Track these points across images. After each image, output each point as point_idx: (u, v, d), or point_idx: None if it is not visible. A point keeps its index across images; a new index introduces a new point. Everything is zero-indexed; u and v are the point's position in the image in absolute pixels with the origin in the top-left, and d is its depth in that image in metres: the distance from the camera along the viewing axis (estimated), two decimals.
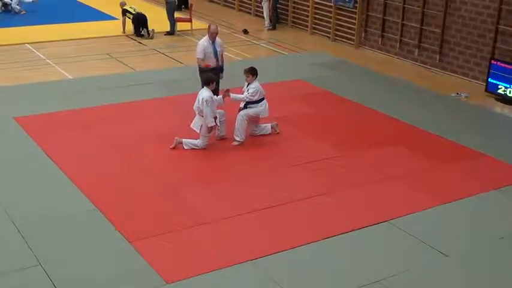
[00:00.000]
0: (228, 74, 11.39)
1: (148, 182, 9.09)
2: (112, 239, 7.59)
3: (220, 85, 11.15)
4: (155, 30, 17.65)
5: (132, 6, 18.03)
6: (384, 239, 7.83)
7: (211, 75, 10.29)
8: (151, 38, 17.40)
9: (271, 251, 7.39)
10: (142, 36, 17.51)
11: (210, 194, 8.83)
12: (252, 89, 10.35)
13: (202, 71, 11.13)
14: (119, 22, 18.19)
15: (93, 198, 8.48)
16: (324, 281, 6.95)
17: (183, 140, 10.12)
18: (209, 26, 11.38)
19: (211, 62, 11.14)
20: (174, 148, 10.06)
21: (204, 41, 11.22)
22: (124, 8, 17.94)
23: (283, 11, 19.79)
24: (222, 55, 11.45)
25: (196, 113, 10.09)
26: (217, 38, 11.25)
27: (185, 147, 10.10)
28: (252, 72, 10.41)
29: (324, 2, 18.21)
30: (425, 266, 7.28)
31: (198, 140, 10.12)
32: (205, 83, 10.11)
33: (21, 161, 9.57)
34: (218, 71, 11.25)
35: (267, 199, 8.64)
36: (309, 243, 7.60)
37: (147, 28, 17.58)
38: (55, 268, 6.97)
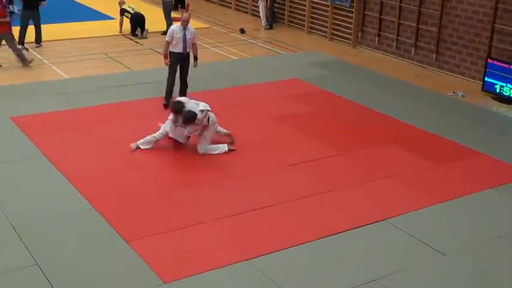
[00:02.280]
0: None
1: (145, 181, 9.08)
2: (109, 239, 7.58)
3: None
4: (148, 30, 17.62)
5: (131, 6, 18.00)
6: (381, 237, 7.83)
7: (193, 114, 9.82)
8: (144, 38, 17.37)
9: (268, 250, 7.39)
10: (136, 35, 17.52)
11: (208, 193, 8.82)
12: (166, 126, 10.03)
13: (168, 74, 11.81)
14: (116, 22, 18.15)
15: (90, 197, 8.47)
16: (322, 279, 6.95)
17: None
18: (182, 14, 12.04)
19: (179, 47, 11.61)
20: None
21: (175, 26, 11.72)
22: (123, 7, 17.91)
23: (280, 10, 19.79)
24: (194, 44, 11.85)
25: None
26: (190, 26, 11.71)
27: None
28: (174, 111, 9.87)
29: (321, 1, 18.21)
30: (422, 264, 7.29)
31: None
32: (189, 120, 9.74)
33: (18, 161, 9.56)
34: (184, 57, 11.74)
35: (265, 198, 8.64)
36: (307, 242, 7.60)
37: (142, 28, 17.57)
38: (52, 268, 6.96)
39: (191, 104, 9.86)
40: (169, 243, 7.54)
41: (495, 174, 9.65)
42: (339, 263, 7.29)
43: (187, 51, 11.77)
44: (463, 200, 8.83)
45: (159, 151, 10.02)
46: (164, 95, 11.93)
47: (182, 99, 10.21)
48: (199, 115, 9.69)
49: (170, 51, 11.73)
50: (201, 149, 9.95)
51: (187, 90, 11.99)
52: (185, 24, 11.60)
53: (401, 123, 11.62)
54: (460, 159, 10.16)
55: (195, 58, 11.93)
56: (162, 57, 11.96)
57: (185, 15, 11.83)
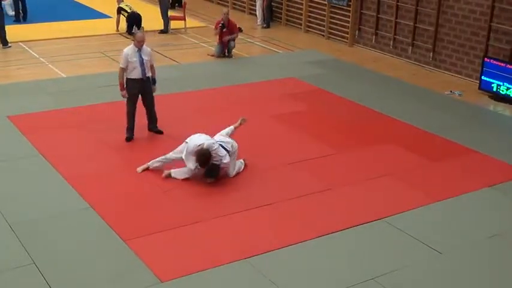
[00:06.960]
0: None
1: (142, 180, 9.07)
2: (106, 238, 7.58)
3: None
4: (144, 29, 17.61)
5: (128, 5, 17.98)
6: (379, 236, 7.84)
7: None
8: None
9: (266, 249, 7.40)
10: (133, 34, 17.49)
11: (205, 192, 8.82)
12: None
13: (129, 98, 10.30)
14: (113, 20, 18.16)
15: (87, 196, 8.46)
16: (320, 278, 6.96)
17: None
18: (135, 34, 10.55)
19: (136, 73, 10.16)
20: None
21: (128, 49, 10.18)
22: (120, 5, 17.89)
23: (277, 9, 19.80)
24: (152, 66, 10.42)
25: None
26: (144, 46, 10.25)
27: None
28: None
29: (318, 0, 18.23)
30: (420, 263, 7.30)
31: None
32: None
33: (15, 160, 9.55)
34: (145, 83, 10.31)
35: (264, 197, 8.64)
36: (304, 241, 7.60)
37: (139, 27, 17.56)
38: (49, 267, 6.96)
39: (211, 145, 8.89)
40: (166, 242, 7.53)
41: (492, 172, 9.66)
42: (336, 261, 7.29)
43: (147, 75, 10.27)
44: (460, 198, 8.84)
45: (157, 151, 10.00)
46: (126, 129, 10.42)
47: (200, 141, 8.89)
48: (225, 160, 8.94)
49: (127, 79, 10.22)
50: (231, 173, 9.25)
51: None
52: (140, 45, 10.13)
53: (399, 122, 11.63)
54: (457, 158, 10.17)
55: (153, 82, 10.47)
56: (119, 88, 10.31)
57: (139, 34, 10.38)
